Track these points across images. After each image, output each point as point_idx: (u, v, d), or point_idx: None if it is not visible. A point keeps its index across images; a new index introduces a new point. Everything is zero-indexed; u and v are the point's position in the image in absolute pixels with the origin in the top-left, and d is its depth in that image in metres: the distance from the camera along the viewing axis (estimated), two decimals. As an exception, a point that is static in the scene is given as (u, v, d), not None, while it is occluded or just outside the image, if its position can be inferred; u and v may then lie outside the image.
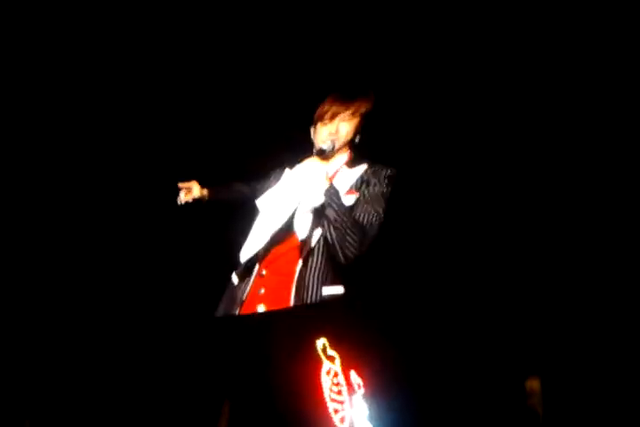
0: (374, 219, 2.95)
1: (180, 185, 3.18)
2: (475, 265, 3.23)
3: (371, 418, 2.57)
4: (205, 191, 3.22)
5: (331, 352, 2.65)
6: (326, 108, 3.07)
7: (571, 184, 3.32)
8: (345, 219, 2.85)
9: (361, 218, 2.93)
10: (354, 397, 2.59)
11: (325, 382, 2.58)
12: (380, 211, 2.97)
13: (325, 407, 2.53)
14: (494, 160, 3.44)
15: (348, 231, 2.84)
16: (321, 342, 2.63)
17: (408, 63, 3.55)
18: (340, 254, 2.83)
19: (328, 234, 2.85)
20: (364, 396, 2.59)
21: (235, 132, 3.73)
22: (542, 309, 3.08)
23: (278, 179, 3.16)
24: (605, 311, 3.03)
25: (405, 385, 2.67)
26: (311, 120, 3.16)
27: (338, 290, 2.88)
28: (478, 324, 2.95)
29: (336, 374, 2.62)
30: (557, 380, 2.98)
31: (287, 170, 3.14)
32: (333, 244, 2.84)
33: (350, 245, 2.83)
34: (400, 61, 3.55)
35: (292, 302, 2.82)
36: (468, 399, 2.86)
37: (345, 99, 3.08)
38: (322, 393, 2.54)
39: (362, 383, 2.61)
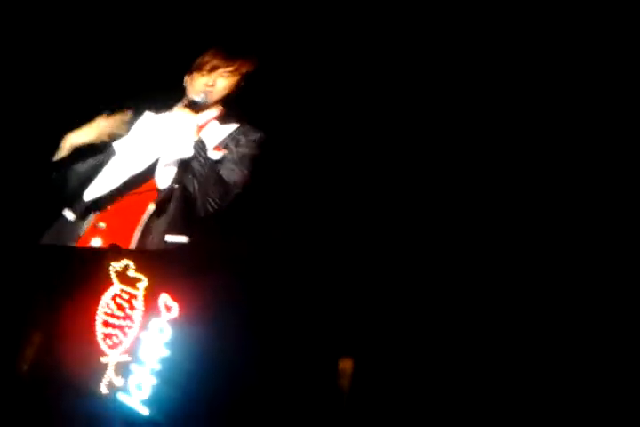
0: (238, 178, 2.93)
1: None
2: (299, 242, 3.19)
3: (169, 344, 2.42)
4: None
5: (134, 274, 2.53)
6: (207, 59, 3.05)
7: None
8: (210, 173, 2.85)
9: (225, 175, 2.92)
10: (154, 320, 2.46)
11: (104, 305, 2.49)
12: (246, 172, 2.96)
13: (93, 333, 2.45)
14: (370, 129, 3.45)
15: (212, 186, 2.84)
16: (119, 265, 2.53)
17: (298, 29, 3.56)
18: (200, 206, 2.83)
19: (191, 186, 2.84)
20: (172, 321, 2.45)
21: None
22: (358, 291, 3.01)
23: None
24: (421, 292, 2.99)
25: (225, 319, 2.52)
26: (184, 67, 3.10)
27: (182, 239, 2.83)
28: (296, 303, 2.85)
29: (131, 298, 2.50)
30: (370, 362, 2.88)
31: (148, 113, 3.08)
32: (194, 196, 2.83)
33: (212, 199, 2.84)
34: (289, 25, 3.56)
35: (133, 244, 2.75)
36: (280, 371, 2.71)
37: (228, 55, 3.06)
38: (93, 318, 2.46)
39: (175, 307, 2.46)
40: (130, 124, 3.03)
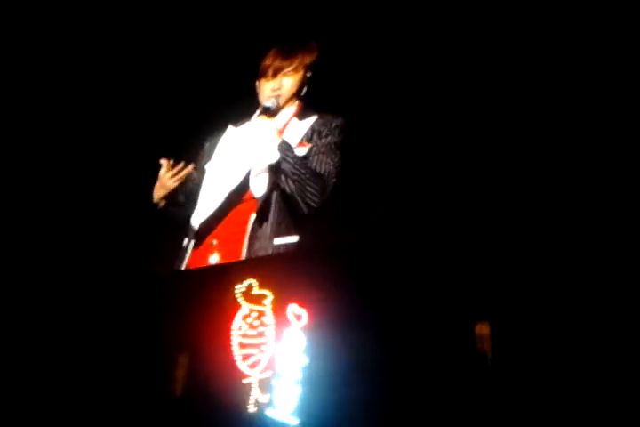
0: (331, 168, 3.00)
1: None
2: (427, 209, 3.16)
3: (306, 351, 2.50)
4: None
5: (259, 291, 2.62)
6: (268, 62, 3.11)
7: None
8: (302, 170, 2.91)
9: (317, 168, 2.98)
10: (286, 331, 2.54)
11: (236, 328, 2.58)
12: (336, 159, 3.02)
13: (231, 355, 2.53)
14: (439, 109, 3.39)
15: (308, 182, 2.90)
16: (243, 285, 2.62)
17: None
18: (302, 204, 2.91)
19: (287, 187, 2.91)
20: (304, 328, 2.53)
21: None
22: (491, 254, 2.98)
23: (217, 140, 3.20)
24: (554, 257, 2.92)
25: (356, 321, 2.58)
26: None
27: (292, 239, 2.94)
28: (430, 269, 2.85)
29: (261, 315, 2.59)
30: (507, 325, 2.87)
31: (230, 127, 3.16)
32: (293, 195, 2.90)
33: (312, 194, 2.91)
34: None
35: (244, 254, 2.89)
36: (419, 343, 2.75)
37: (286, 53, 3.11)
38: (229, 342, 2.56)
39: (305, 314, 2.54)
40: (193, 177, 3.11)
